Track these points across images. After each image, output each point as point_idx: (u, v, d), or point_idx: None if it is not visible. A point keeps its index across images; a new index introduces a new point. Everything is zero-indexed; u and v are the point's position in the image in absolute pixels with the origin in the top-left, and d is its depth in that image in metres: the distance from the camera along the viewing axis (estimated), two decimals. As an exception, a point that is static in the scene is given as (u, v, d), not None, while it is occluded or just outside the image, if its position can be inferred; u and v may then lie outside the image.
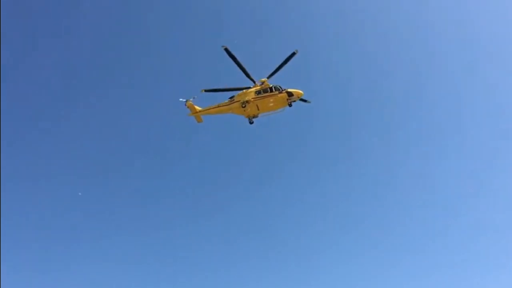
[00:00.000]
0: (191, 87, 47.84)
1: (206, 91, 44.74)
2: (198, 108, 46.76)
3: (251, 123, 46.15)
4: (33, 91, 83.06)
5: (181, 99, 46.76)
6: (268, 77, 44.74)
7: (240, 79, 45.39)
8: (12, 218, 70.33)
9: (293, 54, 42.27)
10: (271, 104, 44.87)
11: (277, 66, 43.67)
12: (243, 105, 44.58)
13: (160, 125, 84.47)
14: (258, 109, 45.11)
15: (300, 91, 44.50)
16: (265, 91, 44.73)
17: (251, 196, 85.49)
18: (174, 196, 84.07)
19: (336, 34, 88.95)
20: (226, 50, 42.50)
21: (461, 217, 77.26)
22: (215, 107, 46.60)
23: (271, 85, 44.77)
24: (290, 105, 44.67)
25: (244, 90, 45.62)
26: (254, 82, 45.36)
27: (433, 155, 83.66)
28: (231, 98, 46.32)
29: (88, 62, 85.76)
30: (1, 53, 70.74)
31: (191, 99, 46.59)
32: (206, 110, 46.90)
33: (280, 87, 44.49)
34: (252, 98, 44.51)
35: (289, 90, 44.32)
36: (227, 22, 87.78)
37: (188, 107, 46.48)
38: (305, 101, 45.97)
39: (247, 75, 44.71)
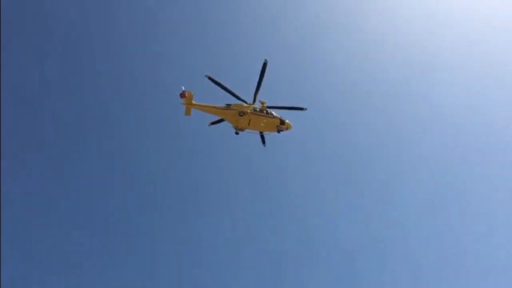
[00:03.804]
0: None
1: (210, 78, 44.53)
2: (194, 102, 47.57)
3: (236, 133, 49.06)
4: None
5: (183, 88, 46.02)
6: (254, 96, 47.26)
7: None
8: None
9: (265, 64, 44.62)
10: (262, 125, 48.66)
11: (257, 83, 45.90)
12: (241, 114, 47.14)
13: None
14: (249, 125, 48.39)
15: (291, 124, 49.78)
16: (261, 111, 48.60)
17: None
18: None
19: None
20: (210, 78, 44.59)
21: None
22: (210, 106, 47.91)
23: (267, 109, 49.00)
24: (278, 132, 49.42)
25: (241, 103, 48.51)
26: (246, 102, 48.25)
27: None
28: (227, 105, 48.59)
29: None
30: None
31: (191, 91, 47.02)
32: (201, 105, 47.67)
33: (275, 114, 49.05)
34: (250, 111, 47.80)
35: (282, 119, 49.30)
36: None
37: (186, 97, 46.70)
38: (301, 109, 48.76)
39: (237, 98, 47.23)
